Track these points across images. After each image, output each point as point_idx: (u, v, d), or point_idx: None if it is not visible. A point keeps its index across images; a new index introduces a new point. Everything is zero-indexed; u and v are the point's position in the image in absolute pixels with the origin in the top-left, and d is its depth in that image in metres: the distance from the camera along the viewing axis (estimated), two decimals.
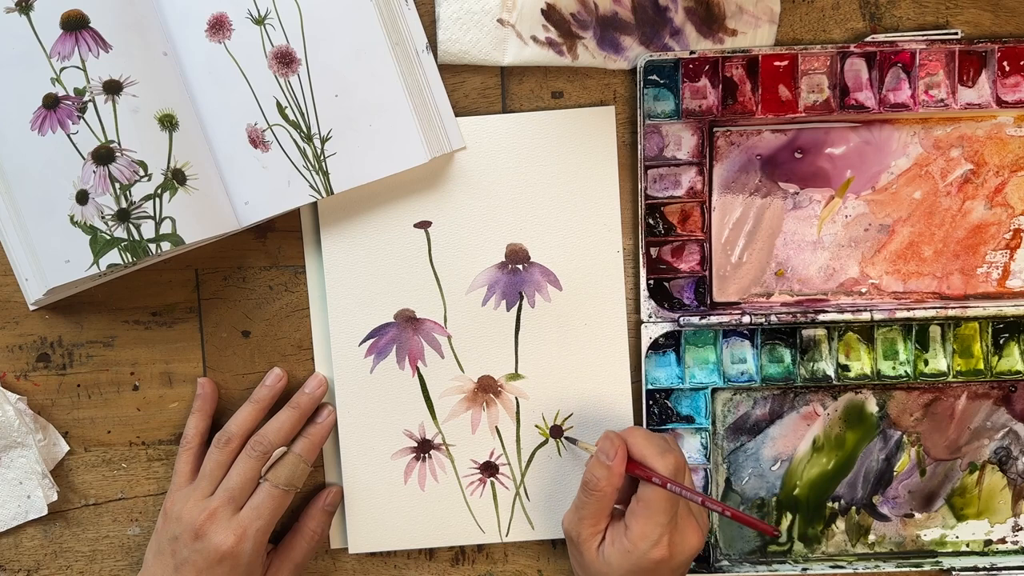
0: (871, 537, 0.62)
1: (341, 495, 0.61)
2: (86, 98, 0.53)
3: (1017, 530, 0.62)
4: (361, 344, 0.60)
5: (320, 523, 0.60)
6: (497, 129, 0.59)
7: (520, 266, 0.60)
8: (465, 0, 0.57)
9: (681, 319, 0.59)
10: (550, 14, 0.57)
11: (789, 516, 0.62)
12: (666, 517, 0.53)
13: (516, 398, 0.61)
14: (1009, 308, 0.59)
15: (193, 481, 0.58)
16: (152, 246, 0.53)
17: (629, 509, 0.54)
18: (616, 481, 0.54)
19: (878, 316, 0.59)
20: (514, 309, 0.60)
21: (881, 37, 0.58)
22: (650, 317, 0.59)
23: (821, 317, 0.59)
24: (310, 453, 0.59)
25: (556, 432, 0.61)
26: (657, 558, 0.52)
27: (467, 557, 0.62)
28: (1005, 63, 0.58)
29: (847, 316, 0.59)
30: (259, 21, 0.56)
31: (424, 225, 0.60)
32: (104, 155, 0.53)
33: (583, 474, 0.55)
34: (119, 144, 0.53)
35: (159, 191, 0.53)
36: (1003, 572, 0.61)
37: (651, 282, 0.59)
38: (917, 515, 0.62)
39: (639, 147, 0.58)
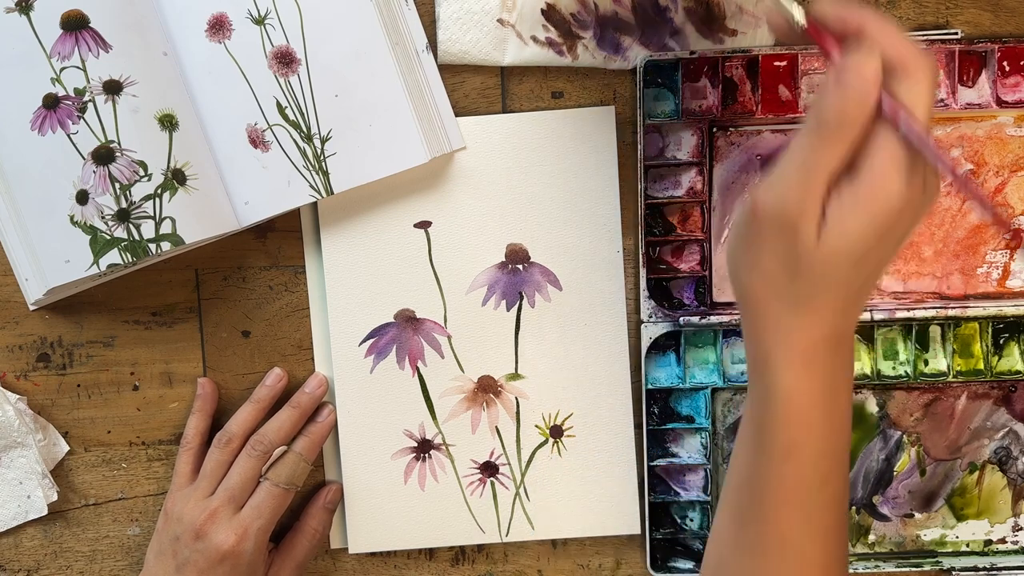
0: (871, 537, 0.62)
1: (341, 493, 0.61)
2: (86, 98, 0.53)
3: (1017, 530, 0.62)
4: (361, 344, 0.60)
5: (321, 521, 0.60)
6: (497, 129, 0.59)
7: (520, 266, 0.60)
8: (465, 0, 0.57)
9: (681, 319, 0.59)
10: (550, 14, 0.57)
11: None
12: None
13: (516, 398, 0.61)
14: (1009, 308, 0.59)
15: (194, 481, 0.58)
16: (152, 246, 0.53)
17: (862, 152, 0.39)
18: (871, 116, 0.38)
19: (878, 316, 0.59)
20: (514, 309, 0.60)
21: None
22: (650, 317, 0.59)
23: None
24: (311, 452, 0.59)
25: (556, 432, 0.61)
26: (901, 198, 0.38)
27: (467, 557, 0.62)
28: (1005, 63, 0.58)
29: None
30: (259, 21, 0.56)
31: (424, 225, 0.60)
32: (104, 155, 0.53)
33: (813, 105, 0.39)
34: (119, 144, 0.53)
35: (159, 191, 0.53)
36: (1003, 572, 0.61)
37: (651, 282, 0.59)
38: (917, 515, 0.62)
39: (639, 147, 0.58)
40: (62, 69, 0.53)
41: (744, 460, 0.45)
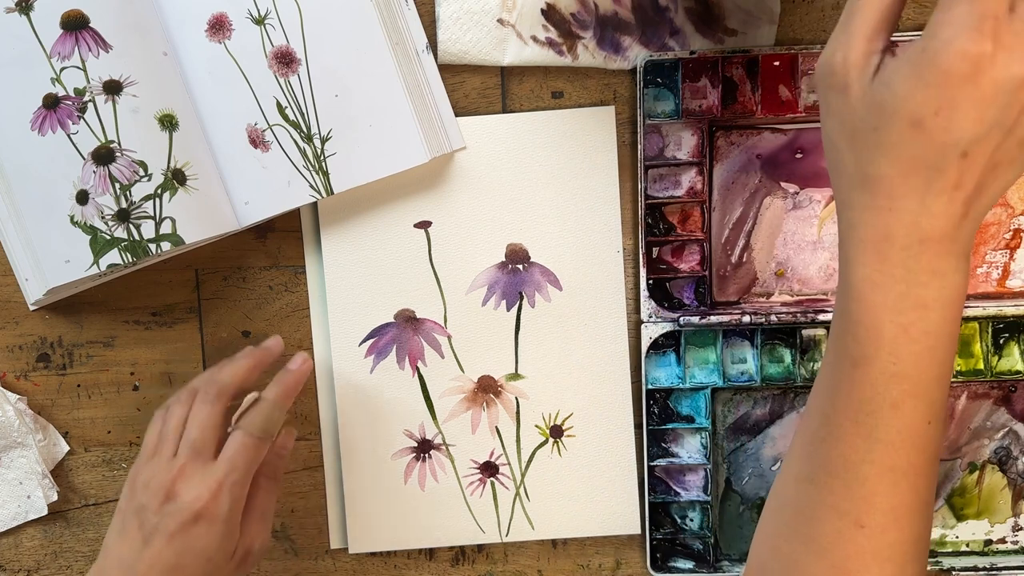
0: None
1: (294, 438, 0.57)
2: (86, 98, 0.53)
3: (1017, 530, 0.62)
4: (361, 344, 0.60)
5: (273, 467, 0.55)
6: (497, 129, 0.59)
7: (520, 266, 0.60)
8: (465, 0, 0.57)
9: (681, 319, 0.59)
10: (550, 14, 0.57)
11: None
12: None
13: (516, 398, 0.61)
14: (1009, 308, 0.59)
15: None
16: (152, 246, 0.53)
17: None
18: None
19: None
20: (514, 309, 0.60)
21: None
22: (650, 317, 0.59)
23: (821, 317, 0.59)
24: (284, 399, 0.53)
25: (556, 432, 0.61)
26: (970, 54, 0.34)
27: (467, 557, 0.62)
28: None
29: None
30: (259, 21, 0.56)
31: (424, 225, 0.60)
32: (104, 155, 0.53)
33: None
34: (119, 144, 0.53)
35: (159, 191, 0.53)
36: (1003, 572, 0.61)
37: (651, 282, 0.59)
38: None
39: (639, 147, 0.58)
40: (62, 69, 0.53)
41: (820, 375, 0.42)
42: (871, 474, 0.39)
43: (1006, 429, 0.62)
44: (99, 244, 0.53)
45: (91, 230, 0.53)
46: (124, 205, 0.53)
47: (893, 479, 0.39)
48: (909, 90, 0.35)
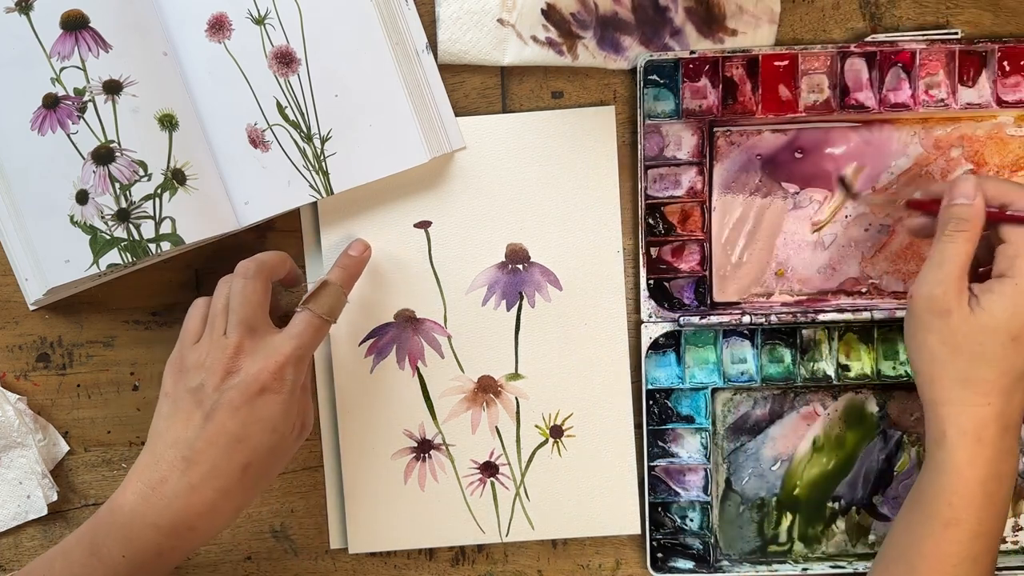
0: (871, 537, 0.62)
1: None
2: (86, 98, 0.53)
3: (1017, 530, 0.62)
4: (361, 344, 0.60)
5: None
6: (497, 129, 0.59)
7: (520, 266, 0.60)
8: (465, 0, 0.57)
9: (681, 319, 0.59)
10: (550, 14, 0.57)
11: (789, 516, 0.62)
12: None
13: (516, 398, 0.61)
14: None
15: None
16: (152, 246, 0.53)
17: (999, 254, 0.50)
18: (980, 218, 0.50)
19: (878, 316, 0.59)
20: (514, 309, 0.60)
21: (881, 37, 0.58)
22: (650, 317, 0.59)
23: (821, 317, 0.59)
24: (348, 284, 0.55)
25: (556, 432, 0.61)
26: None
27: (467, 557, 0.62)
28: (1005, 63, 0.58)
29: (847, 316, 0.59)
30: (259, 21, 0.56)
31: (424, 225, 0.60)
32: (104, 155, 0.53)
33: (939, 222, 0.51)
34: (119, 144, 0.53)
35: (159, 191, 0.54)
36: (1003, 572, 0.61)
37: (651, 282, 0.59)
38: None
39: (639, 147, 0.58)
40: (62, 69, 0.53)
41: (904, 528, 0.51)
42: None
43: None
44: (99, 244, 0.53)
45: (91, 230, 0.53)
46: (124, 205, 0.53)
47: None
48: (1009, 316, 0.49)
